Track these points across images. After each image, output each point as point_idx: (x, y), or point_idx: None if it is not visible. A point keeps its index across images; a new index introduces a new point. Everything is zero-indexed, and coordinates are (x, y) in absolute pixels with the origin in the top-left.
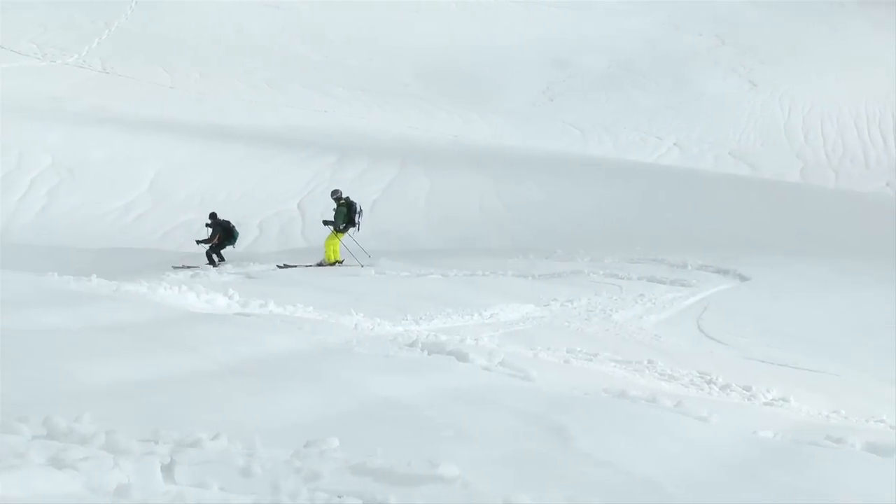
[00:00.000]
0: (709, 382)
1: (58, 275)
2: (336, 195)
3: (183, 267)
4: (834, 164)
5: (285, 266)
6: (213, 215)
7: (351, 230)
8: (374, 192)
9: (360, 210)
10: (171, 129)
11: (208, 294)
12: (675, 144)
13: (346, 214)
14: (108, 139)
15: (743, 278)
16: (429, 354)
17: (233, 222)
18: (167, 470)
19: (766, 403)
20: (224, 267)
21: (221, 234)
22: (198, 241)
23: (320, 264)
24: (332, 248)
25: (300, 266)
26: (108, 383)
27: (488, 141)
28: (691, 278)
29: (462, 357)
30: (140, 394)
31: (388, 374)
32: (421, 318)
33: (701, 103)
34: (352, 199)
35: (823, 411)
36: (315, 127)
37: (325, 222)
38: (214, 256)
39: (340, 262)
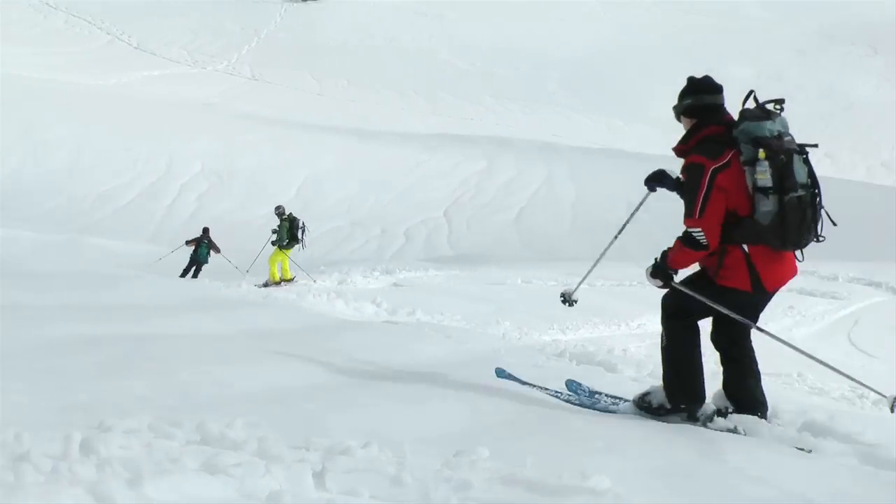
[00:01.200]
0: (860, 397)
1: (208, 281)
2: (279, 211)
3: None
4: None
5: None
6: (205, 230)
7: (296, 247)
8: (521, 200)
9: (304, 226)
10: (319, 136)
11: (357, 302)
12: (825, 155)
13: (288, 230)
14: (256, 145)
15: None
16: (577, 365)
17: (206, 241)
18: (318, 477)
19: None
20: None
21: (196, 243)
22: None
23: (265, 284)
24: (275, 266)
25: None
26: (259, 389)
27: (634, 149)
28: (843, 290)
29: (611, 368)
30: (291, 400)
31: None
32: (568, 328)
33: (852, 113)
34: (294, 215)
35: None
36: (462, 135)
37: (274, 231)
38: (189, 274)
39: (288, 281)
